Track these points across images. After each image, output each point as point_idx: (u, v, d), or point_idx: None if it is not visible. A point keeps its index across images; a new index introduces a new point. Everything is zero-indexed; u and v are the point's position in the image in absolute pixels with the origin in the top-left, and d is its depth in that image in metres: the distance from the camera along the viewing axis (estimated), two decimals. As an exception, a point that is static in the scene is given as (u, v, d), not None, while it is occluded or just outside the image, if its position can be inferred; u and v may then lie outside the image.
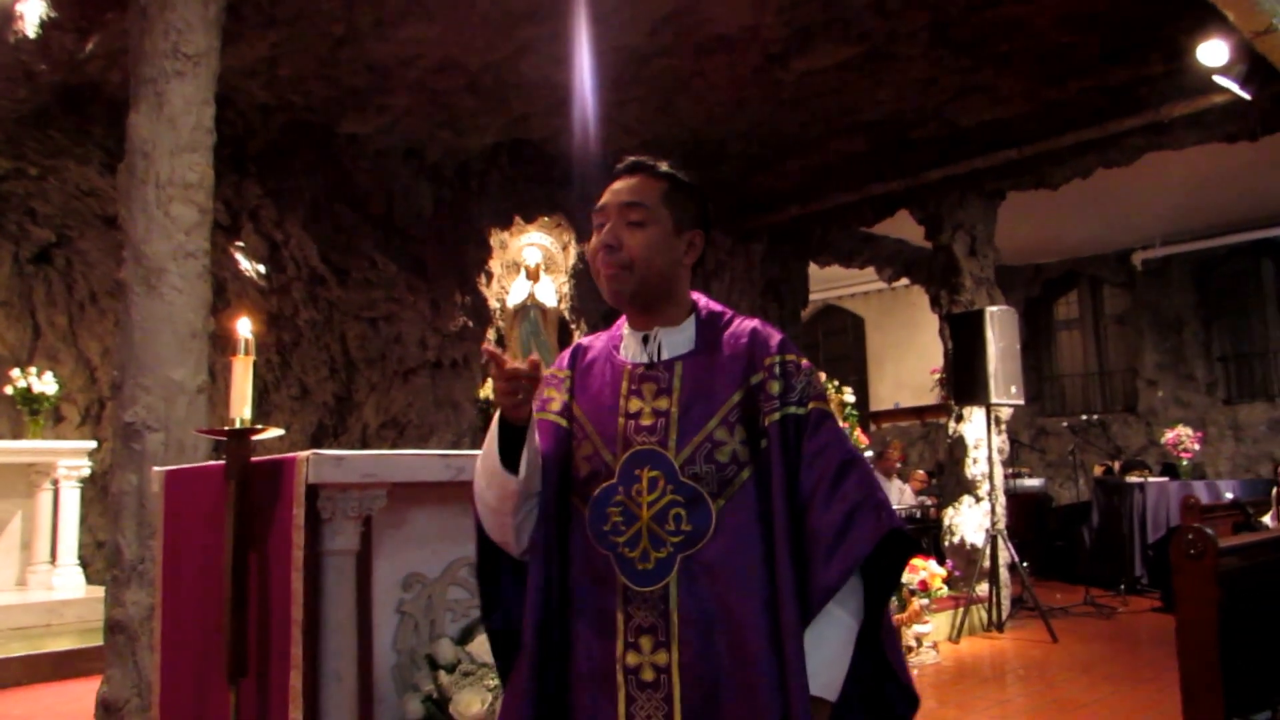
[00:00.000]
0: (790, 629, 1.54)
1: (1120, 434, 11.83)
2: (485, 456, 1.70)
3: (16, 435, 7.72)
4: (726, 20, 5.87)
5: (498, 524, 1.72)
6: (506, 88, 6.66)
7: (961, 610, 7.08)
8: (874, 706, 1.66)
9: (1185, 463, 9.39)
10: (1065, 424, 11.21)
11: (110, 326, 8.06)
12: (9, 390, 7.65)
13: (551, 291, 8.15)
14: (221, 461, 2.57)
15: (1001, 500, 7.79)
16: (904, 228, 9.23)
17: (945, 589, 6.63)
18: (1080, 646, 6.60)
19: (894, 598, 6.27)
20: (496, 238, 7.96)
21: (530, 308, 7.97)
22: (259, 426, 2.48)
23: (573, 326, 8.22)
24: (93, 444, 7.58)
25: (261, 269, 7.37)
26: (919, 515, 8.76)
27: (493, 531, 1.74)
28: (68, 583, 7.15)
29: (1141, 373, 11.83)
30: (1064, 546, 9.82)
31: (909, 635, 6.19)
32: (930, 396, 12.70)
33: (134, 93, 4.10)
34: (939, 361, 9.11)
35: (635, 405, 1.68)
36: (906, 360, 13.49)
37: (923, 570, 6.29)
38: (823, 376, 7.06)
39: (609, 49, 6.09)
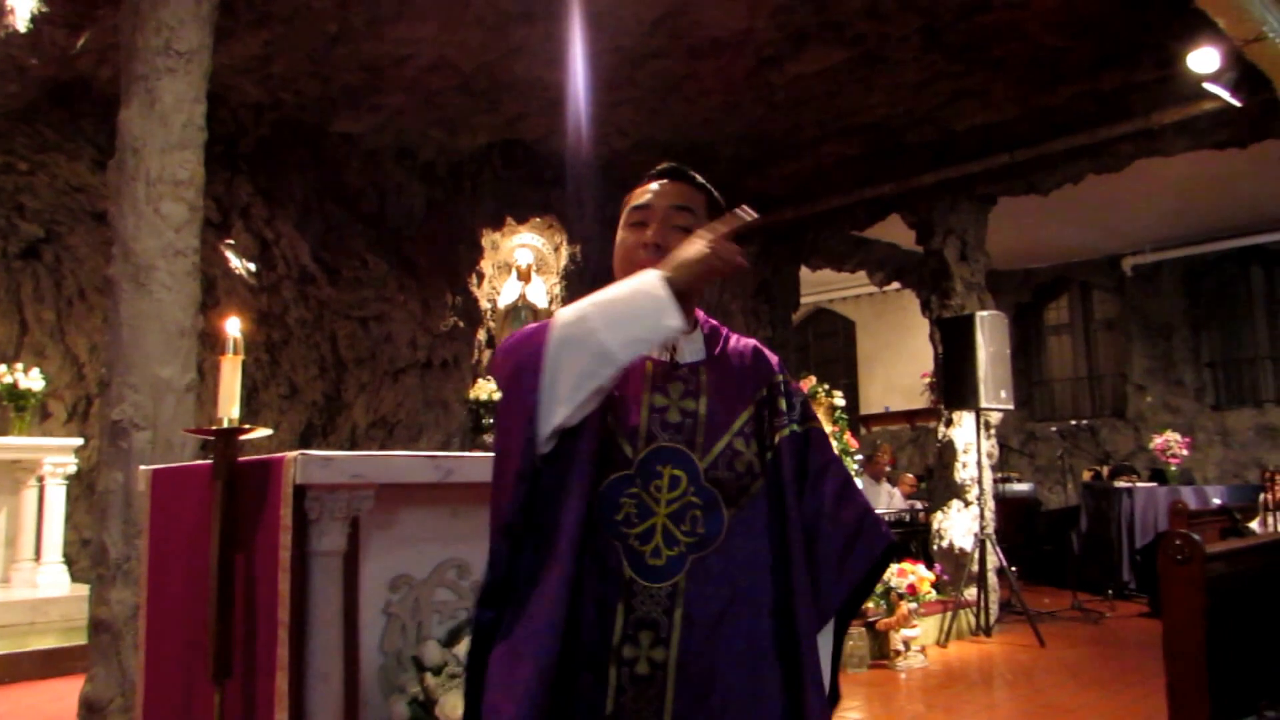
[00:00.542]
0: (807, 637, 1.63)
1: (1109, 439, 11.87)
2: (637, 304, 1.57)
3: (2, 431, 7.68)
4: (720, 23, 5.87)
5: (583, 389, 1.56)
6: (499, 88, 6.66)
7: (950, 614, 7.09)
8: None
9: (1173, 468, 9.42)
10: (1054, 429, 11.23)
11: (98, 323, 8.02)
12: (-5, 386, 7.61)
13: (543, 292, 8.14)
14: (209, 461, 2.56)
15: (990, 504, 7.81)
16: (895, 231, 9.24)
17: (934, 593, 6.64)
18: (1067, 651, 6.61)
19: (884, 602, 6.27)
20: (488, 238, 7.95)
21: (521, 309, 7.96)
22: (246, 426, 2.47)
23: (564, 327, 8.22)
24: (79, 441, 7.54)
25: (252, 267, 7.34)
26: (908, 519, 8.77)
27: (570, 392, 1.56)
28: (52, 580, 7.11)
29: (1131, 378, 11.87)
30: (1052, 551, 9.84)
31: (897, 639, 6.19)
32: (920, 400, 12.73)
33: (125, 89, 4.09)
34: (929, 365, 9.13)
35: (660, 401, 1.69)
36: (897, 364, 13.52)
37: (911, 574, 6.30)
38: (813, 380, 7.08)
39: (602, 50, 6.09)
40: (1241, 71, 5.96)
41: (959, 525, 7.93)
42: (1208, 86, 6.08)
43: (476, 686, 1.59)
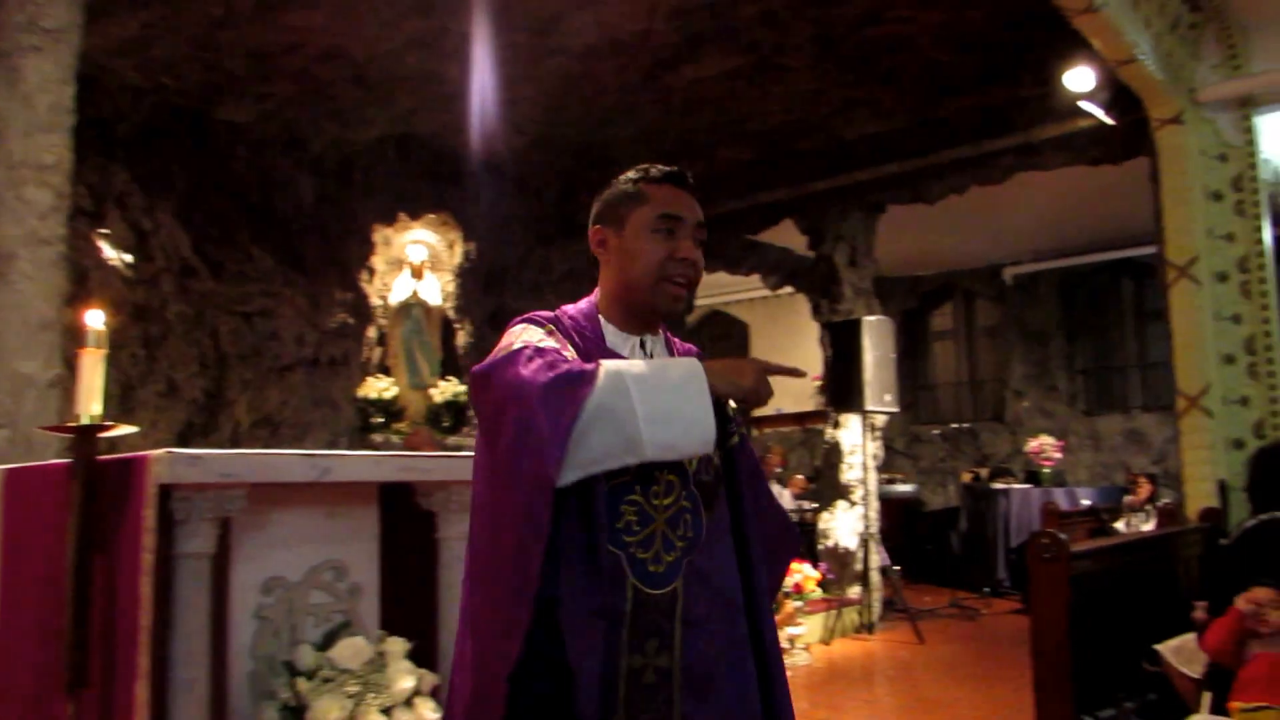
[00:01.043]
0: (771, 632, 1.75)
1: (988, 442, 12.30)
2: (683, 398, 1.51)
3: None
4: (617, 24, 5.88)
5: (599, 466, 1.49)
6: (394, 81, 6.54)
7: (834, 613, 7.24)
8: None
9: (1047, 470, 9.82)
10: (937, 431, 11.60)
11: (-41, 314, 7.58)
12: None
13: (436, 290, 8.02)
14: (67, 460, 2.43)
15: (875, 505, 8.00)
16: (788, 236, 9.40)
17: (819, 591, 6.78)
18: (945, 647, 6.82)
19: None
20: (380, 233, 7.79)
21: (413, 306, 7.83)
22: (108, 423, 2.36)
23: (457, 326, 8.11)
24: (-64, 438, 7.11)
25: (128, 258, 7.03)
26: (796, 519, 8.93)
27: (598, 459, 1.48)
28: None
29: (1009, 383, 12.32)
30: (934, 550, 10.15)
31: (783, 637, 6.30)
32: (811, 403, 12.97)
33: (-14, 67, 3.86)
34: (820, 368, 9.31)
35: None
36: (789, 367, 13.71)
37: (798, 573, 6.41)
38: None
39: (499, 46, 6.04)
40: (1115, 91, 6.23)
41: (844, 525, 8.11)
42: (1083, 105, 6.34)
43: None
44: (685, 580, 1.62)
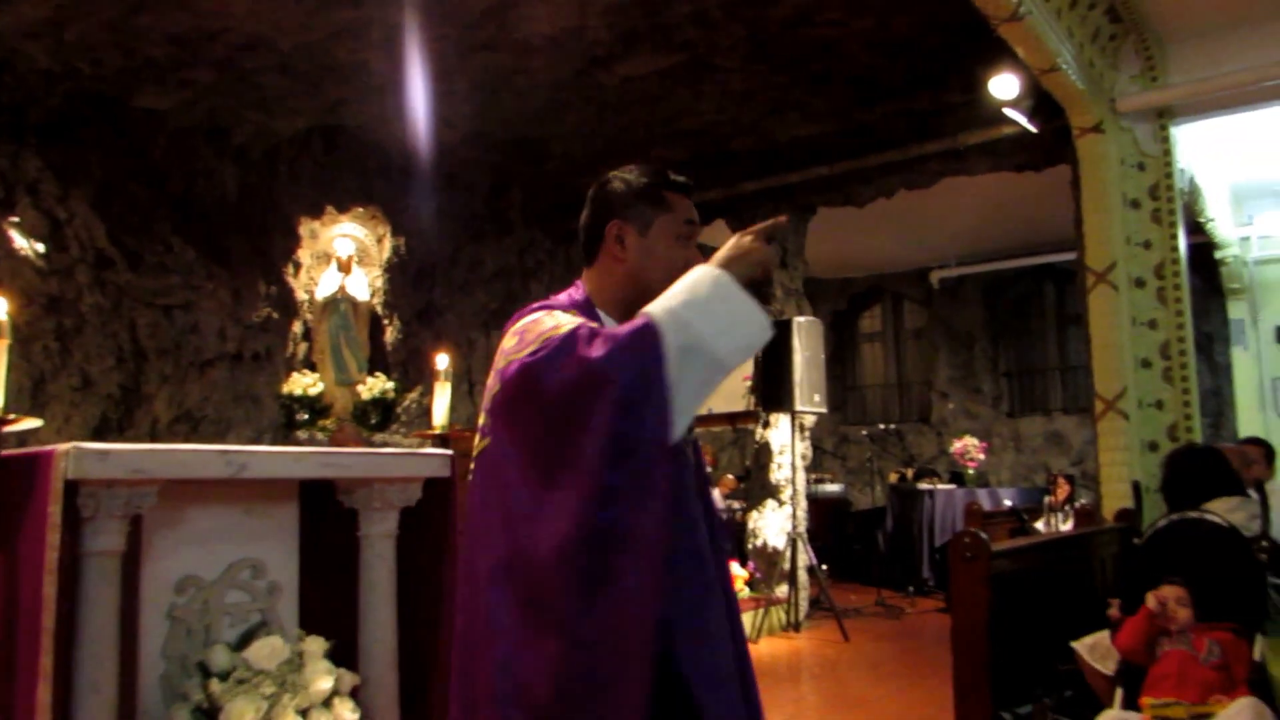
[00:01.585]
0: (738, 615, 1.82)
1: (915, 443, 12.51)
2: (727, 300, 1.52)
3: None
4: (550, 19, 5.84)
5: (700, 399, 1.51)
6: (321, 71, 6.41)
7: (762, 611, 7.29)
8: None
9: (971, 471, 10.01)
10: (865, 432, 11.75)
11: None
12: None
13: (364, 285, 7.88)
14: (-33, 453, 2.33)
15: (803, 505, 8.08)
16: (721, 236, 9.44)
17: (747, 590, 6.81)
18: (870, 646, 6.91)
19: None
20: (306, 226, 7.63)
21: (340, 301, 7.69)
22: (11, 416, 2.26)
23: (385, 322, 7.99)
24: None
25: (40, 248, 6.78)
26: (727, 519, 8.97)
27: (693, 399, 1.50)
28: None
29: (935, 385, 12.55)
30: (861, 550, 10.28)
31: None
32: (742, 403, 13.04)
33: (-114, 43, 3.69)
34: (751, 368, 9.38)
35: None
36: (721, 367, 13.78)
37: (726, 572, 6.43)
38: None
39: (430, 39, 5.96)
40: (1039, 99, 6.37)
41: (773, 525, 8.17)
42: (1008, 112, 6.47)
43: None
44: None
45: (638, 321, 1.49)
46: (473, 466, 1.69)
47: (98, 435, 7.02)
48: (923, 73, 6.62)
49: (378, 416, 7.58)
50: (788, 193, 8.29)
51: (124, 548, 2.29)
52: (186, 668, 2.46)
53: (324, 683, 2.45)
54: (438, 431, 3.15)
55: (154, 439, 6.94)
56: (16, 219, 6.58)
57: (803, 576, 7.65)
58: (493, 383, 1.64)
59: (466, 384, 8.44)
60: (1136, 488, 5.53)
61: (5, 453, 2.29)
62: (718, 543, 1.79)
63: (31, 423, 2.42)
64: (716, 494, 9.45)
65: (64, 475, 2.18)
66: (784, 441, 8.19)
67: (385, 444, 7.38)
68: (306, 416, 7.35)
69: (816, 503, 9.65)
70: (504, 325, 1.78)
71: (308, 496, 2.86)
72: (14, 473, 2.28)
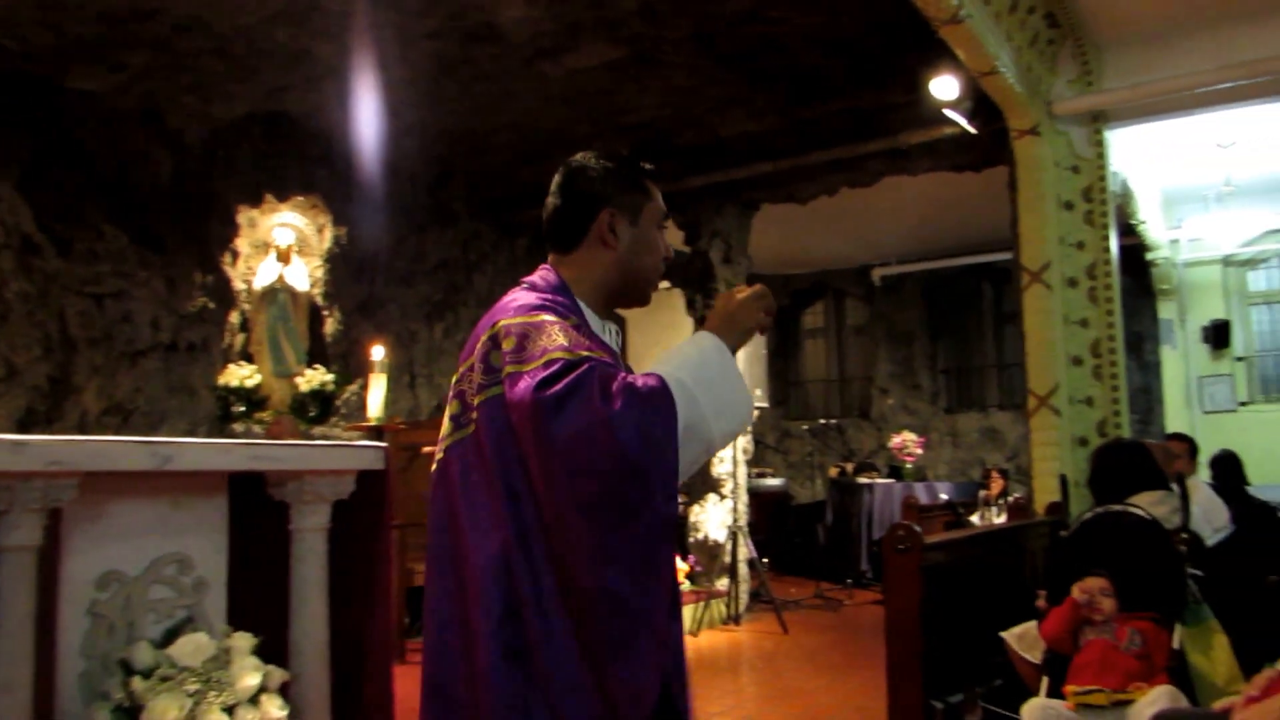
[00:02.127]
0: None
1: (855, 438, 12.65)
2: (728, 385, 1.56)
3: None
4: (495, 9, 5.80)
5: (685, 476, 1.53)
6: (260, 56, 6.29)
7: (702, 604, 7.33)
8: None
9: (909, 466, 10.16)
10: (806, 427, 11.86)
11: None
12: None
13: (304, 275, 7.76)
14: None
15: (744, 499, 8.13)
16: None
17: (688, 584, 6.84)
18: (808, 637, 6.99)
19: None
20: (245, 215, 7.49)
21: (279, 291, 7.56)
22: (-77, 405, 2.18)
23: (325, 313, 7.87)
24: None
25: (-36, 232, 6.57)
26: (668, 512, 8.98)
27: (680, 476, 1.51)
28: None
29: (876, 381, 12.70)
30: (801, 543, 10.39)
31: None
32: (686, 397, 13.08)
33: None
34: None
35: None
36: (666, 361, 13.80)
37: (667, 566, 6.45)
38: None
39: (373, 26, 5.88)
40: (978, 101, 6.46)
41: (714, 518, 8.21)
42: (948, 113, 6.56)
43: None
44: None
45: (653, 383, 1.46)
46: (441, 457, 1.63)
47: (23, 428, 6.83)
48: (865, 72, 6.69)
49: (316, 409, 7.48)
50: (732, 189, 8.32)
51: (42, 543, 2.23)
52: (108, 666, 2.40)
53: (251, 679, 2.41)
54: (373, 424, 3.11)
55: (83, 431, 6.76)
56: (-62, 202, 6.38)
57: (743, 570, 7.71)
58: (479, 373, 1.57)
59: (408, 376, 8.36)
60: (1064, 481, 5.65)
61: (-83, 443, 2.21)
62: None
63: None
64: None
65: (-22, 467, 2.11)
66: (726, 436, 8.22)
67: (325, 437, 7.28)
68: (243, 409, 7.22)
69: (758, 497, 9.73)
70: (485, 312, 1.70)
71: (238, 489, 2.81)
72: (-74, 464, 2.21)
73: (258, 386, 7.32)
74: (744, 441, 8.23)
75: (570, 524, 1.44)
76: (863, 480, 9.86)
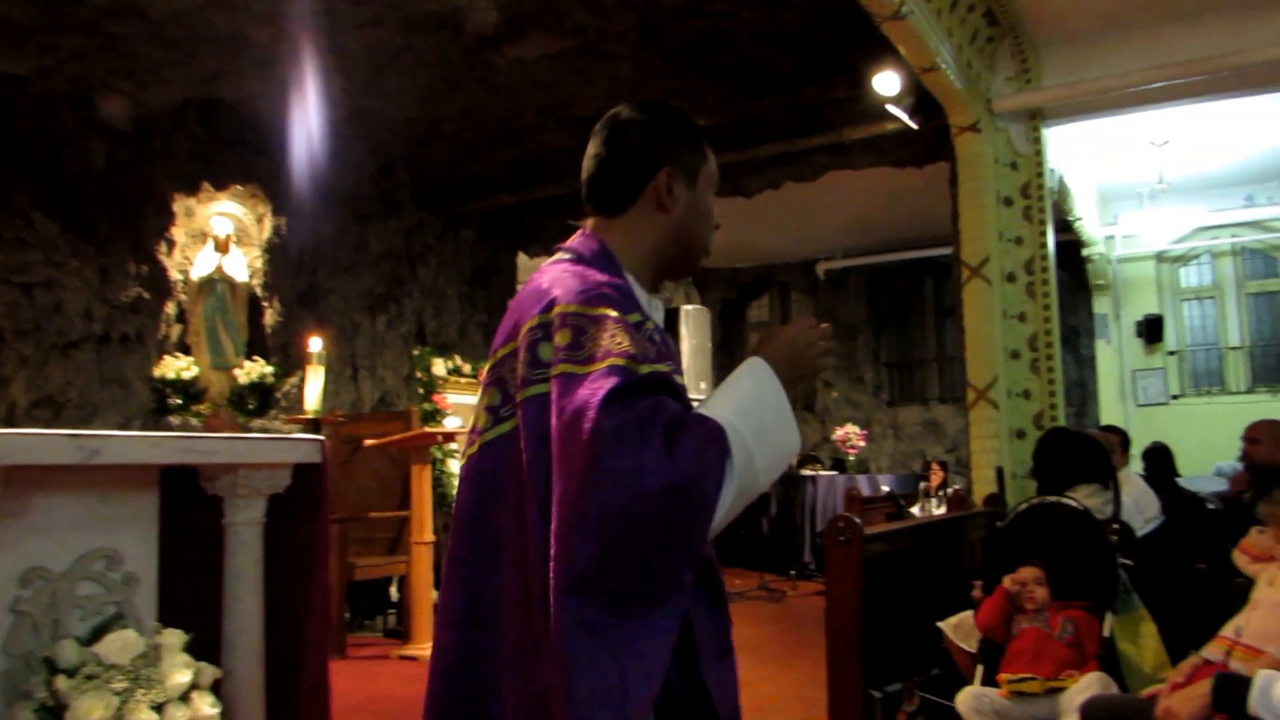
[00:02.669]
0: None
1: (800, 430, 12.76)
2: (784, 432, 1.41)
3: None
4: (438, -3, 5.74)
5: (735, 512, 1.37)
6: (197, 41, 6.16)
7: (648, 596, 7.33)
8: None
9: (852, 458, 10.28)
10: (752, 420, 11.93)
11: None
12: None
13: (243, 265, 7.61)
14: None
15: (690, 491, 8.14)
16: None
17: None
18: (751, 629, 7.03)
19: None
20: (181, 203, 7.33)
21: (217, 282, 7.41)
22: None
23: (264, 304, 7.73)
24: None
25: (-116, 218, 6.35)
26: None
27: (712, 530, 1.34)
28: None
29: (819, 374, 12.82)
30: (746, 535, 10.45)
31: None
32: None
33: None
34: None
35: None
36: (612, 354, 13.81)
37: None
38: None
39: (313, 12, 5.78)
40: (919, 97, 6.54)
41: (660, 511, 8.22)
42: (890, 109, 6.63)
43: None
44: None
45: (714, 436, 1.30)
46: (475, 452, 1.45)
47: (-52, 419, 6.62)
48: (809, 67, 6.73)
49: (255, 402, 7.35)
50: (678, 181, 8.32)
51: (-38, 538, 2.16)
52: (32, 664, 2.33)
53: (181, 676, 2.36)
54: (310, 416, 3.06)
55: (11, 424, 6.58)
56: None
57: (688, 562, 7.73)
58: (524, 365, 1.38)
59: (351, 369, 8.25)
60: (1000, 473, 5.75)
61: None
62: None
63: None
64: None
65: (-107, 461, 2.04)
66: (671, 429, 8.24)
67: (265, 430, 7.16)
68: (180, 401, 7.07)
69: (703, 489, 9.75)
70: (532, 276, 1.51)
71: (170, 483, 2.75)
72: None
73: (195, 379, 7.17)
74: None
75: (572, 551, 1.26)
76: (806, 472, 9.95)
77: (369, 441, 5.46)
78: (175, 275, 7.31)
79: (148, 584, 2.66)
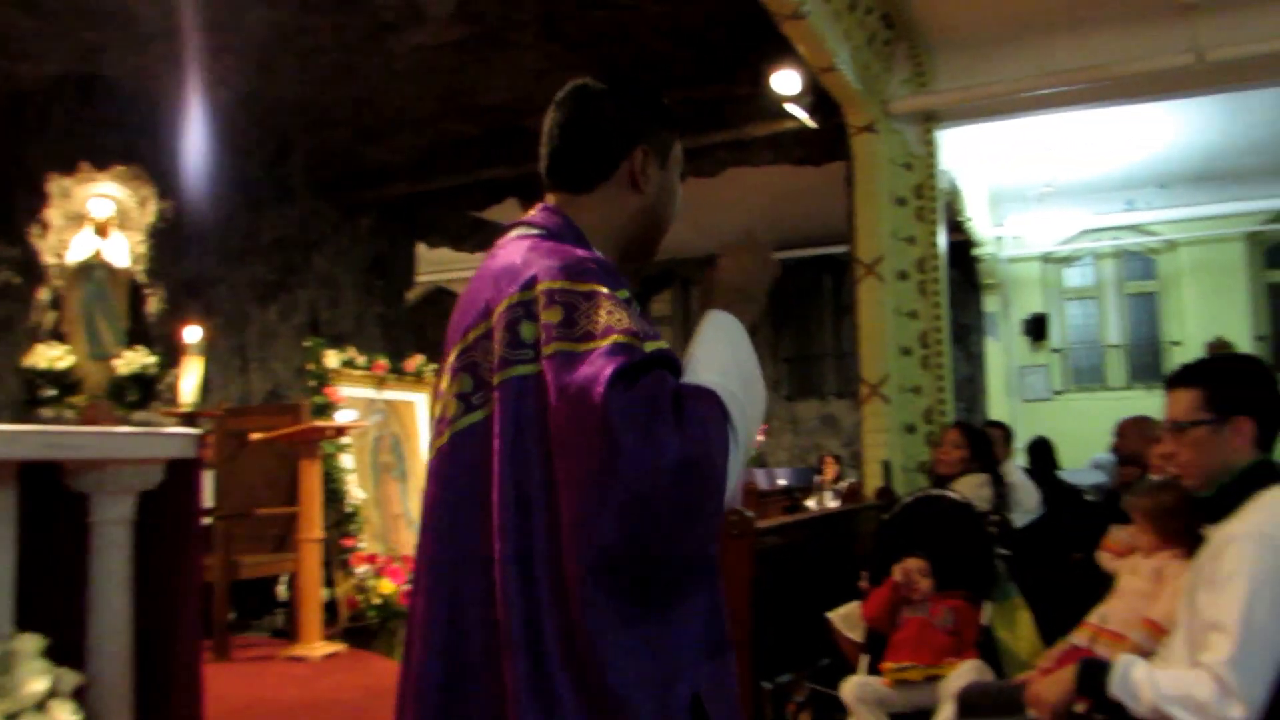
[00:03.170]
0: None
1: (701, 424, 12.87)
2: (759, 380, 1.36)
3: None
4: (335, -22, 5.59)
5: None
6: (75, 13, 5.88)
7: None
8: None
9: (752, 452, 10.38)
10: (654, 414, 11.99)
11: None
12: None
13: (124, 250, 7.25)
14: None
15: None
16: (514, 215, 9.36)
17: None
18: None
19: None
20: (57, 184, 6.92)
21: (96, 267, 7.03)
22: None
23: (147, 292, 7.40)
24: None
25: None
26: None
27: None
28: None
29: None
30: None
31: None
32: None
33: None
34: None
35: None
36: (514, 347, 13.71)
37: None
38: (420, 359, 6.97)
39: (200, -12, 5.58)
40: (818, 97, 6.63)
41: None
42: (789, 107, 6.71)
43: None
44: None
45: (714, 402, 1.23)
46: (445, 443, 1.35)
47: None
48: (712, 63, 6.77)
49: (136, 394, 7.02)
50: (580, 174, 8.29)
51: None
52: (-128, 672, 2.19)
53: (38, 684, 2.24)
54: (185, 409, 2.93)
55: None
56: None
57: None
58: (502, 345, 1.29)
59: (240, 360, 8.00)
60: (886, 467, 5.88)
61: None
62: None
63: None
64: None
65: None
66: (571, 422, 8.21)
67: (146, 423, 6.87)
68: (54, 393, 6.73)
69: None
70: (493, 254, 1.43)
71: (31, 480, 2.61)
72: None
73: (70, 369, 6.82)
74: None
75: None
76: (706, 466, 10.01)
77: (255, 436, 5.29)
78: (49, 259, 6.94)
79: (4, 587, 2.51)
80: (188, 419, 3.05)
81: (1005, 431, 5.79)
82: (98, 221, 7.13)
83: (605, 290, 1.28)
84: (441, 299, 14.74)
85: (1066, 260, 11.67)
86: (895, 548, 3.48)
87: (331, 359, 6.02)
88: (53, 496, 2.60)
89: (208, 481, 5.86)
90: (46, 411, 6.68)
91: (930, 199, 6.53)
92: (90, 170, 7.13)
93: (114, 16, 5.91)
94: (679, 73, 6.85)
